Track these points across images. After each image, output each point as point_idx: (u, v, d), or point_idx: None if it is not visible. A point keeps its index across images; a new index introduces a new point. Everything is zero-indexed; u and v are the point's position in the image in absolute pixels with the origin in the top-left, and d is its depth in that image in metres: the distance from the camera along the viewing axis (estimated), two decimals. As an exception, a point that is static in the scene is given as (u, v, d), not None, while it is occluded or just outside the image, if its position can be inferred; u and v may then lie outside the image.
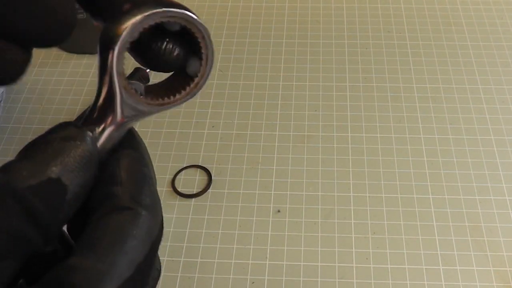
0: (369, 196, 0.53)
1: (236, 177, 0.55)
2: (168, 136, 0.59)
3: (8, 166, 0.19)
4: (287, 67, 0.66)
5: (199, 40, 0.22)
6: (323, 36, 0.69)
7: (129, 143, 0.22)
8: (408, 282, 0.47)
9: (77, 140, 0.19)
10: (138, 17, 0.20)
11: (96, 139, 0.20)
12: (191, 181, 0.55)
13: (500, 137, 0.58)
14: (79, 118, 0.21)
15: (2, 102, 0.62)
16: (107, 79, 0.21)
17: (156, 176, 0.59)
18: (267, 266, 0.49)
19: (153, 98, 0.22)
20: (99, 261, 0.18)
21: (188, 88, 0.23)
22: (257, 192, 0.54)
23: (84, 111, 0.21)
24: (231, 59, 0.67)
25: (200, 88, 0.24)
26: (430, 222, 0.51)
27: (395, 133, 0.58)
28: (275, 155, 0.57)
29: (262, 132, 0.59)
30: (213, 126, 0.60)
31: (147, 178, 0.21)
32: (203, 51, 0.23)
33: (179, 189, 0.54)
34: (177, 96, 0.23)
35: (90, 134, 0.20)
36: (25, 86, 0.64)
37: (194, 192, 0.54)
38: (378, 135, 0.58)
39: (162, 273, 0.49)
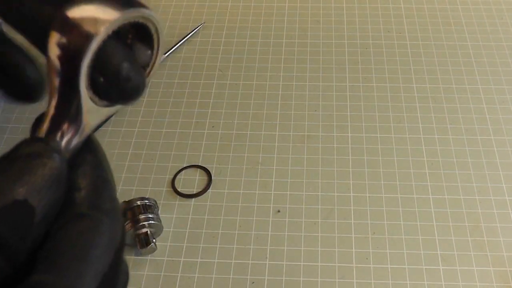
0: (369, 196, 0.53)
1: (236, 177, 0.55)
2: (168, 136, 0.59)
3: None
4: (287, 67, 0.66)
5: (153, 33, 0.22)
6: (323, 36, 0.69)
7: (87, 148, 0.21)
8: (408, 282, 0.47)
9: (44, 157, 0.18)
10: (106, 25, 0.20)
11: (62, 152, 0.19)
12: (191, 181, 0.55)
13: (500, 137, 0.58)
14: (36, 123, 0.20)
15: (2, 102, 0.62)
16: (72, 91, 0.20)
17: (156, 176, 0.58)
18: (267, 266, 0.49)
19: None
20: (63, 277, 0.17)
21: None
22: (257, 192, 0.54)
23: (40, 118, 0.20)
24: (231, 59, 0.67)
25: (150, 77, 0.23)
26: (430, 222, 0.51)
27: (395, 133, 0.58)
28: (275, 155, 0.57)
29: (262, 132, 0.59)
30: (213, 126, 0.60)
31: (106, 183, 0.20)
32: (155, 43, 0.23)
33: (179, 189, 0.54)
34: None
35: (57, 148, 0.19)
36: (25, 86, 0.64)
37: (194, 192, 0.54)
38: (378, 135, 0.58)
39: (162, 273, 0.49)
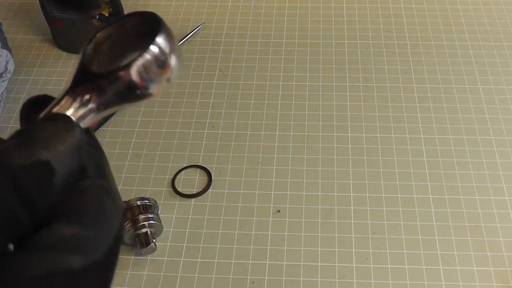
0: (369, 196, 0.53)
1: (236, 177, 0.55)
2: (168, 136, 0.59)
3: (1, 146, 0.20)
4: (287, 67, 0.66)
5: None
6: (323, 36, 0.69)
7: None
8: (408, 282, 0.47)
9: (68, 129, 0.21)
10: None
11: (81, 127, 0.22)
12: (191, 181, 0.55)
13: (500, 137, 0.58)
14: (51, 104, 0.23)
15: (2, 102, 0.62)
16: (84, 75, 0.23)
17: (156, 176, 0.58)
18: (267, 266, 0.49)
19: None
20: (85, 228, 0.19)
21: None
22: (257, 192, 0.54)
23: (61, 98, 0.23)
24: (231, 59, 0.67)
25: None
26: (430, 222, 0.51)
27: (395, 133, 0.58)
28: (275, 155, 0.57)
29: (262, 132, 0.59)
30: (213, 126, 0.60)
31: (105, 160, 0.23)
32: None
33: (179, 189, 0.54)
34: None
35: (80, 125, 0.22)
36: (25, 86, 0.64)
37: (194, 192, 0.54)
38: (378, 135, 0.58)
39: (162, 273, 0.49)
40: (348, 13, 0.72)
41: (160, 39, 0.25)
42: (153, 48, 0.23)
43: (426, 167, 0.55)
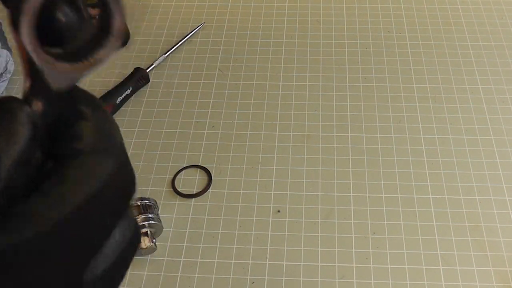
0: (369, 196, 0.53)
1: (236, 177, 0.55)
2: (168, 136, 0.59)
3: None
4: (287, 67, 0.66)
5: None
6: (323, 36, 0.69)
7: (82, 102, 0.23)
8: (408, 282, 0.47)
9: (14, 111, 0.20)
10: None
11: (34, 111, 0.21)
12: (191, 181, 0.55)
13: (500, 137, 0.58)
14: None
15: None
16: (26, 56, 0.21)
17: (156, 176, 0.58)
18: (267, 266, 0.49)
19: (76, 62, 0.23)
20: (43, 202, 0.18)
21: (105, 45, 0.23)
22: (257, 192, 0.54)
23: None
24: (231, 59, 0.67)
25: (117, 44, 0.24)
26: (430, 222, 0.51)
27: (395, 133, 0.58)
28: (275, 155, 0.57)
29: (262, 132, 0.59)
30: (213, 126, 0.60)
31: (107, 124, 0.22)
32: (111, 5, 0.23)
33: (179, 189, 0.54)
34: (96, 55, 0.23)
35: (28, 107, 0.21)
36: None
37: (194, 192, 0.54)
38: (378, 135, 0.58)
39: (162, 273, 0.49)
40: (348, 13, 0.72)
41: None
42: None
43: (426, 167, 0.55)
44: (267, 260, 0.49)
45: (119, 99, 0.60)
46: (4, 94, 0.62)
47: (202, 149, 0.57)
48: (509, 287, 0.47)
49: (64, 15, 0.22)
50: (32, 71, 0.21)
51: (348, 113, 0.60)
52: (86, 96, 0.23)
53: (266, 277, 0.48)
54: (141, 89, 0.63)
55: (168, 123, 0.60)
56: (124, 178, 0.21)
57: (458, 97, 0.62)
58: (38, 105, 0.21)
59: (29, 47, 0.21)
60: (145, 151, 0.57)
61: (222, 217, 0.52)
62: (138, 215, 0.48)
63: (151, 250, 0.49)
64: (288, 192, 0.54)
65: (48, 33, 0.22)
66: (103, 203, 0.19)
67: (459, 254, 0.49)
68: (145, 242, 0.48)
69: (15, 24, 0.21)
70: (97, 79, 0.64)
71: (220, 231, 0.51)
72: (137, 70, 0.63)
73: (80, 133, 0.21)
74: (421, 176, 0.55)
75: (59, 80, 0.22)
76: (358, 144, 0.57)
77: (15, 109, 0.20)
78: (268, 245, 0.50)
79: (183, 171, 0.56)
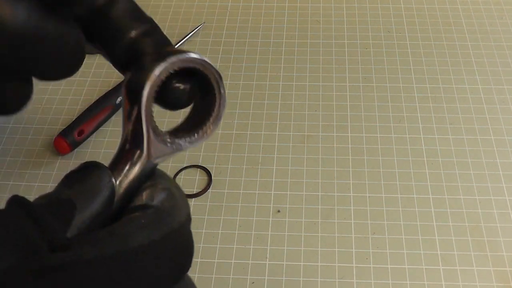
0: (369, 196, 0.53)
1: (236, 177, 0.55)
2: (168, 136, 0.59)
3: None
4: (287, 67, 0.66)
5: (213, 82, 0.24)
6: (323, 36, 0.69)
7: (154, 176, 0.24)
8: (408, 282, 0.47)
9: (98, 173, 0.22)
10: (165, 64, 0.22)
11: (119, 179, 0.23)
12: (191, 181, 0.55)
13: (500, 137, 0.58)
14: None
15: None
16: (136, 122, 0.23)
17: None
18: (267, 266, 0.49)
19: (176, 138, 0.25)
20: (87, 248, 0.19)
21: (205, 126, 0.25)
22: (257, 192, 0.54)
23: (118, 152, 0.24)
24: (231, 59, 0.67)
25: (216, 125, 0.25)
26: (430, 222, 0.51)
27: (395, 133, 0.58)
28: (275, 155, 0.57)
29: (262, 132, 0.59)
30: (213, 126, 0.59)
31: (170, 196, 0.24)
32: (215, 91, 0.25)
33: (179, 189, 0.54)
34: (196, 135, 0.25)
35: (111, 174, 0.22)
36: (25, 86, 0.64)
37: (194, 192, 0.54)
38: (378, 135, 0.58)
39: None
40: (348, 13, 0.72)
41: None
42: None
43: (426, 167, 0.55)
44: (267, 260, 0.49)
45: (119, 99, 0.60)
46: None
47: (202, 149, 0.57)
48: (509, 287, 0.47)
49: (178, 90, 0.24)
50: (135, 137, 0.23)
51: (348, 113, 0.60)
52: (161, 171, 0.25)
53: (266, 277, 0.48)
54: (141, 89, 0.63)
55: (168, 123, 0.60)
56: (180, 245, 0.23)
57: (458, 97, 0.62)
58: (127, 172, 0.23)
59: (144, 114, 0.23)
60: (145, 151, 0.57)
61: (222, 217, 0.52)
62: None
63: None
64: (288, 192, 0.54)
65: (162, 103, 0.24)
66: (153, 259, 0.21)
67: (459, 254, 0.49)
68: None
69: (133, 90, 0.22)
70: (97, 79, 0.64)
71: (220, 231, 0.51)
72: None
73: (152, 196, 0.23)
74: (421, 176, 0.55)
75: (158, 151, 0.23)
76: (358, 144, 0.57)
77: (100, 174, 0.22)
78: (268, 245, 0.50)
79: (183, 171, 0.56)
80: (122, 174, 0.23)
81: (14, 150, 0.58)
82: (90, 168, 0.22)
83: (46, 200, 0.20)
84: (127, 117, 0.23)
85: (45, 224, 0.18)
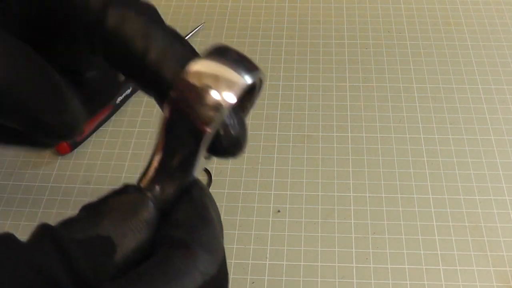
0: (369, 196, 0.53)
1: (236, 177, 0.55)
2: (168, 136, 0.59)
3: (66, 219, 0.19)
4: (287, 67, 0.66)
5: (257, 87, 0.23)
6: (323, 36, 0.69)
7: (191, 190, 0.22)
8: (408, 282, 0.47)
9: (138, 205, 0.20)
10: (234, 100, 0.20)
11: (158, 201, 0.20)
12: (191, 181, 0.55)
13: (500, 137, 0.58)
14: (144, 172, 0.22)
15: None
16: (190, 155, 0.21)
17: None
18: (267, 266, 0.49)
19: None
20: None
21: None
22: (257, 192, 0.54)
23: (148, 167, 0.22)
24: (231, 59, 0.67)
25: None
26: (430, 222, 0.51)
27: (395, 133, 0.58)
28: (275, 155, 0.57)
29: (262, 132, 0.59)
30: (213, 126, 0.59)
31: (206, 222, 0.21)
32: (256, 94, 0.23)
33: (179, 189, 0.54)
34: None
35: (152, 198, 0.20)
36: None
37: (194, 192, 0.54)
38: (378, 135, 0.58)
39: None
40: (348, 13, 0.72)
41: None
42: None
43: (426, 167, 0.55)
44: (267, 260, 0.49)
45: (119, 99, 0.60)
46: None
47: (202, 149, 0.57)
48: (509, 287, 0.47)
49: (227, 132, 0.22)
50: (184, 163, 0.21)
51: (348, 113, 0.60)
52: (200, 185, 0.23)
53: (266, 277, 0.48)
54: (141, 89, 0.63)
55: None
56: (218, 284, 0.20)
57: (458, 97, 0.62)
58: (162, 192, 0.21)
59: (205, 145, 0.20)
60: (145, 151, 0.57)
61: (222, 217, 0.52)
62: None
63: (151, 250, 0.49)
64: (288, 192, 0.54)
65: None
66: None
67: (459, 254, 0.49)
68: None
69: (204, 123, 0.20)
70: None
71: (220, 231, 0.51)
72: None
73: (189, 223, 0.20)
74: (421, 176, 0.55)
75: (197, 172, 0.21)
76: (358, 144, 0.57)
77: (138, 203, 0.20)
78: (268, 245, 0.50)
79: (183, 171, 0.55)
80: (158, 194, 0.21)
81: (14, 150, 0.58)
82: (132, 197, 0.20)
83: (85, 236, 0.18)
84: (166, 141, 0.21)
85: (79, 270, 0.17)
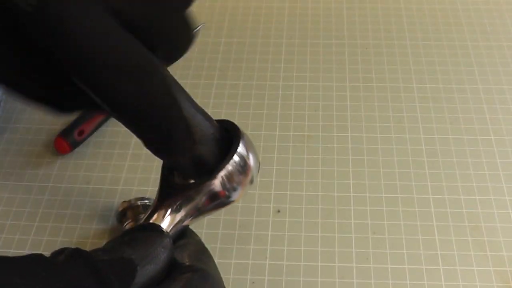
0: (369, 196, 0.53)
1: (236, 177, 0.55)
2: (168, 136, 0.59)
3: (93, 249, 0.23)
4: (287, 67, 0.66)
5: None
6: (323, 36, 0.69)
7: (187, 235, 0.28)
8: (408, 282, 0.47)
9: (158, 238, 0.24)
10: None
11: (170, 235, 0.25)
12: (191, 181, 0.55)
13: (500, 137, 0.58)
14: (150, 213, 0.27)
15: (2, 102, 0.62)
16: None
17: (156, 176, 0.58)
18: (267, 266, 0.49)
19: None
20: None
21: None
22: (257, 192, 0.54)
23: (153, 211, 0.27)
24: (231, 59, 0.67)
25: None
26: (430, 222, 0.51)
27: (395, 133, 0.58)
28: (275, 155, 0.57)
29: (262, 132, 0.59)
30: (213, 126, 0.60)
31: (205, 254, 0.28)
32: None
33: (179, 189, 0.54)
34: None
35: (169, 236, 0.25)
36: (25, 86, 0.64)
37: (194, 192, 0.54)
38: (378, 135, 0.58)
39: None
40: (348, 13, 0.72)
41: (240, 149, 0.28)
42: (235, 158, 0.26)
43: (426, 167, 0.55)
44: (267, 260, 0.49)
45: (119, 99, 0.60)
46: (4, 95, 0.62)
47: (202, 149, 0.57)
48: (509, 287, 0.47)
49: None
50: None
51: (348, 113, 0.60)
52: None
53: (266, 277, 0.48)
54: (141, 89, 0.63)
55: (168, 123, 0.60)
56: None
57: (458, 97, 0.62)
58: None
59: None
60: (145, 151, 0.57)
61: (222, 217, 0.52)
62: (138, 215, 0.48)
63: (151, 250, 0.49)
64: (288, 192, 0.54)
65: None
66: None
67: (459, 254, 0.49)
68: None
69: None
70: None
71: (220, 231, 0.51)
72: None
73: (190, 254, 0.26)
74: (421, 176, 0.55)
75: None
76: (358, 144, 0.57)
77: (160, 238, 0.25)
78: (268, 245, 0.50)
79: (183, 171, 0.55)
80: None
81: (14, 150, 0.58)
82: (151, 232, 0.24)
83: (110, 257, 0.22)
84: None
85: (109, 284, 0.20)
